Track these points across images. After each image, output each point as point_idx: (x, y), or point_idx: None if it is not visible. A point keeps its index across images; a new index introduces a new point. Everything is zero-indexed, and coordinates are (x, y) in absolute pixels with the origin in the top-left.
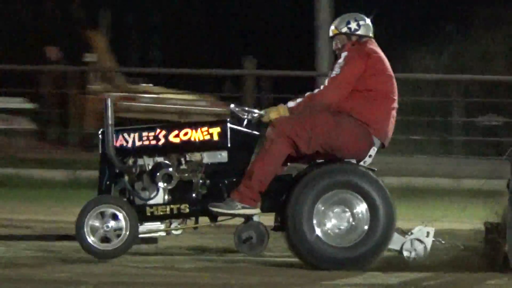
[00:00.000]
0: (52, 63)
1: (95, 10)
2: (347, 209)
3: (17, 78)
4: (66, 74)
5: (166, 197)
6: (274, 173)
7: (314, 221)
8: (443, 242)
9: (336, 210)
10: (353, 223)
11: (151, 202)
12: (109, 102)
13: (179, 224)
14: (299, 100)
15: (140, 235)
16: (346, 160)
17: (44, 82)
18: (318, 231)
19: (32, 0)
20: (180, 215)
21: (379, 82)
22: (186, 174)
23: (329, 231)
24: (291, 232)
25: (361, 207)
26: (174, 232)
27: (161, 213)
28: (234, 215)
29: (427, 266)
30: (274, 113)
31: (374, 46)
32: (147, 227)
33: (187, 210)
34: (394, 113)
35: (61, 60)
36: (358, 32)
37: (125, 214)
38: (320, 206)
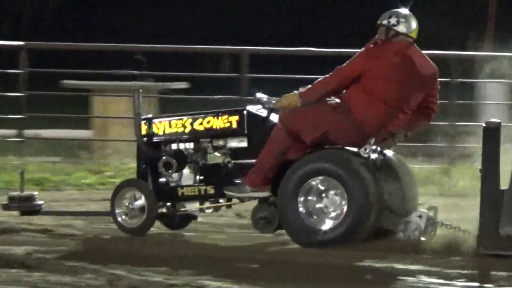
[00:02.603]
0: None
1: None
2: (330, 193)
3: None
4: None
5: (197, 178)
6: (279, 161)
7: (300, 207)
8: (446, 225)
9: (320, 194)
10: (334, 206)
11: (183, 183)
12: (138, 93)
13: (211, 203)
14: (309, 86)
15: (178, 213)
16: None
17: None
18: (303, 214)
19: None
20: (207, 196)
21: (380, 86)
22: (215, 157)
23: (313, 214)
24: (280, 215)
25: (341, 191)
26: (207, 210)
27: (191, 194)
28: (244, 198)
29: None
30: (285, 100)
31: (398, 49)
32: (183, 206)
33: (213, 192)
34: (399, 115)
35: None
36: (395, 28)
37: (144, 196)
38: (304, 192)
